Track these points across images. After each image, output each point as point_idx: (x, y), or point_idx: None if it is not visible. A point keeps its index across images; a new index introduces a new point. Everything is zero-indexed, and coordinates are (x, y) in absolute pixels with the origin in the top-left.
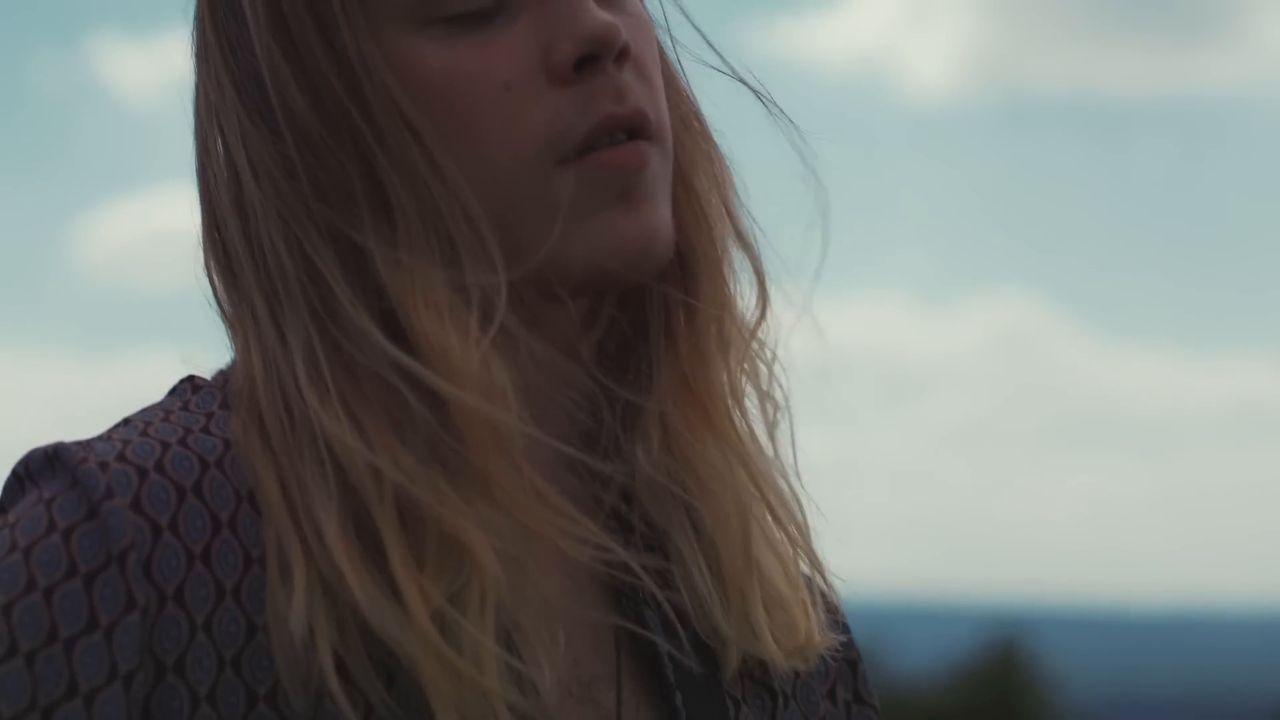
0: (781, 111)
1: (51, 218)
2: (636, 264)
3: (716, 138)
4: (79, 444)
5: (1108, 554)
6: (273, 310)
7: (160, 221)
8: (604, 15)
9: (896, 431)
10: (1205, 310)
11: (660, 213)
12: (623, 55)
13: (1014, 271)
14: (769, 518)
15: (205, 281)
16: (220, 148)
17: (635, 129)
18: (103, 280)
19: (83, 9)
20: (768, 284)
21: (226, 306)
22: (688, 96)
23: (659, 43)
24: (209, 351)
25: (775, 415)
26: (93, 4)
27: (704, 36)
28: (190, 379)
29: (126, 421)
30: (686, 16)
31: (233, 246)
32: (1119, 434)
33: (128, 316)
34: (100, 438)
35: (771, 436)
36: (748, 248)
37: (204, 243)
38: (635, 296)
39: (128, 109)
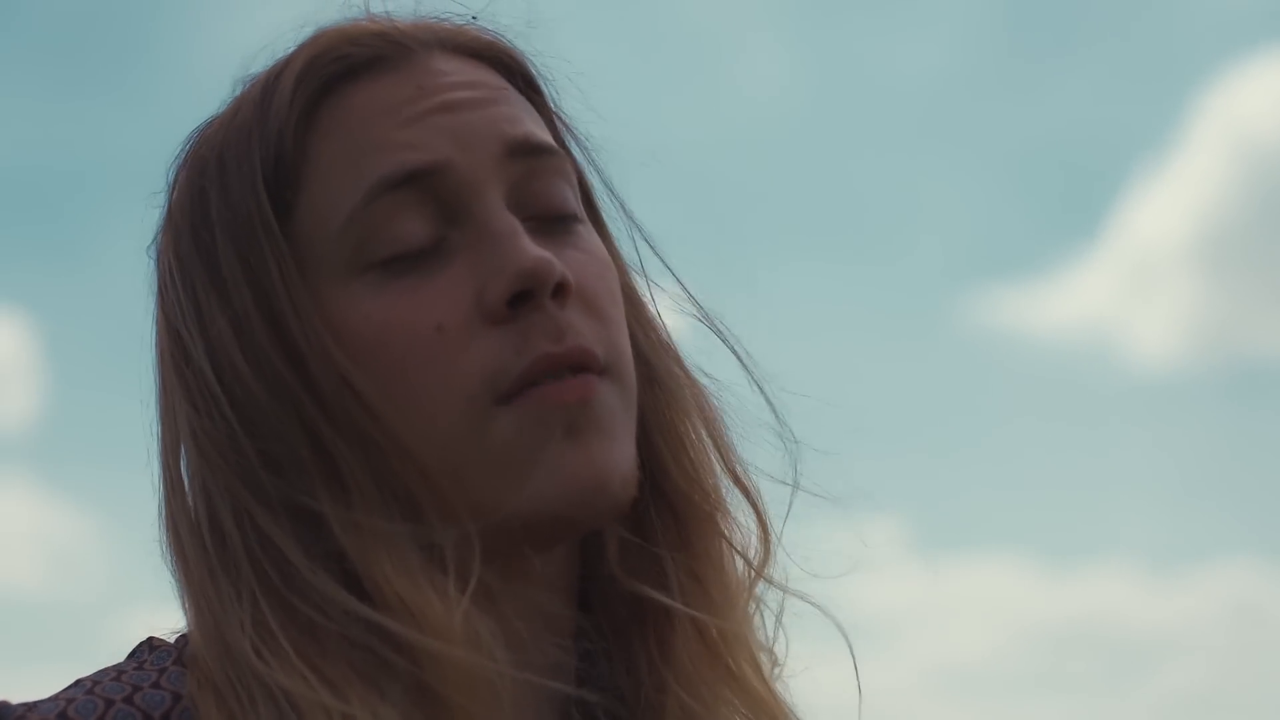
0: (747, 358)
1: None
2: (587, 503)
3: (705, 379)
4: (23, 704)
5: None
6: (217, 583)
7: None
8: (538, 250)
9: (1124, 703)
10: None
11: (615, 448)
12: (562, 291)
13: (1242, 538)
14: None
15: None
16: (171, 434)
17: (577, 367)
18: None
19: None
20: (769, 525)
21: (177, 583)
22: (665, 339)
23: (630, 287)
24: None
25: (773, 667)
26: None
27: (674, 274)
28: (149, 640)
29: (78, 681)
30: (656, 253)
31: (180, 524)
32: None
33: None
34: (48, 697)
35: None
36: (745, 489)
37: (161, 522)
38: (640, 551)
39: None
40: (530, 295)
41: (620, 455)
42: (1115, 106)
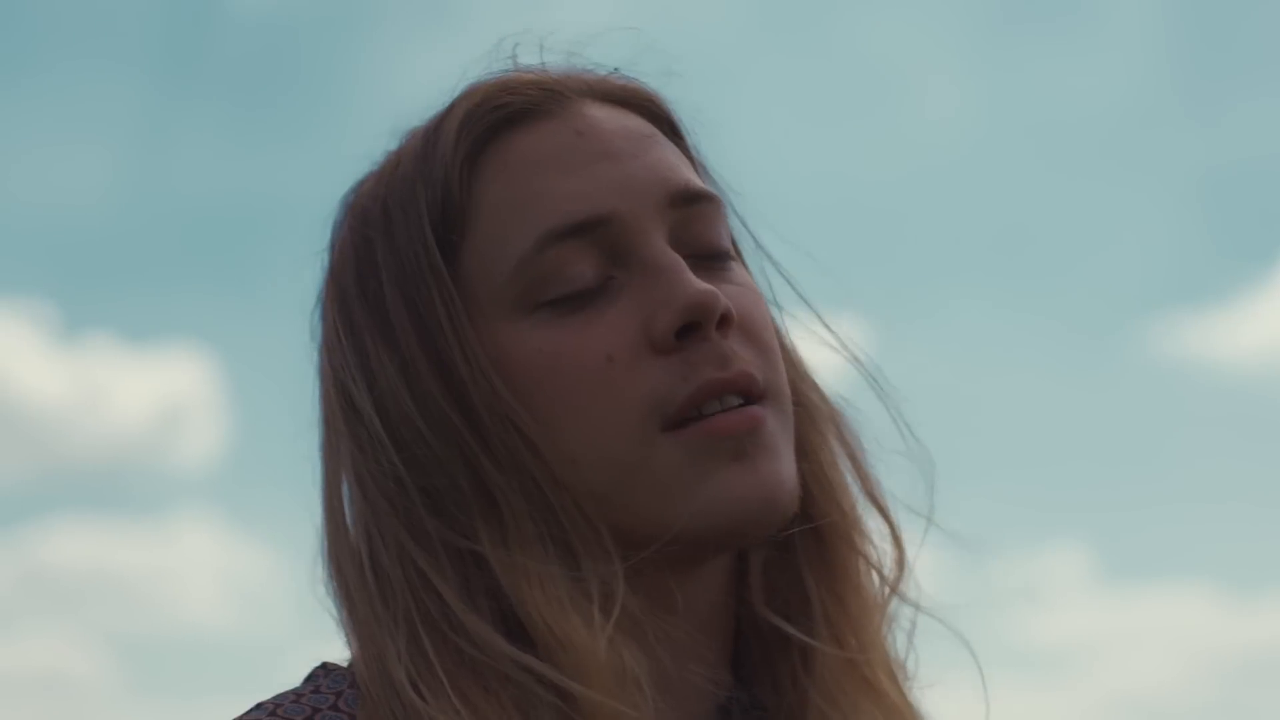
0: (886, 394)
1: None
2: (759, 517)
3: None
4: None
5: None
6: (379, 618)
7: None
8: (703, 284)
9: None
10: None
11: (781, 467)
12: (725, 321)
13: None
14: None
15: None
16: (335, 478)
17: (742, 392)
18: None
19: None
20: (903, 543)
21: (341, 618)
22: (804, 369)
23: (771, 316)
24: None
25: (905, 680)
26: None
27: (812, 308)
28: (323, 665)
29: (259, 705)
30: (791, 285)
31: (344, 562)
32: None
33: None
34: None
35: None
36: (881, 509)
37: (324, 560)
38: (782, 568)
39: None
40: (697, 327)
41: (787, 472)
42: None
